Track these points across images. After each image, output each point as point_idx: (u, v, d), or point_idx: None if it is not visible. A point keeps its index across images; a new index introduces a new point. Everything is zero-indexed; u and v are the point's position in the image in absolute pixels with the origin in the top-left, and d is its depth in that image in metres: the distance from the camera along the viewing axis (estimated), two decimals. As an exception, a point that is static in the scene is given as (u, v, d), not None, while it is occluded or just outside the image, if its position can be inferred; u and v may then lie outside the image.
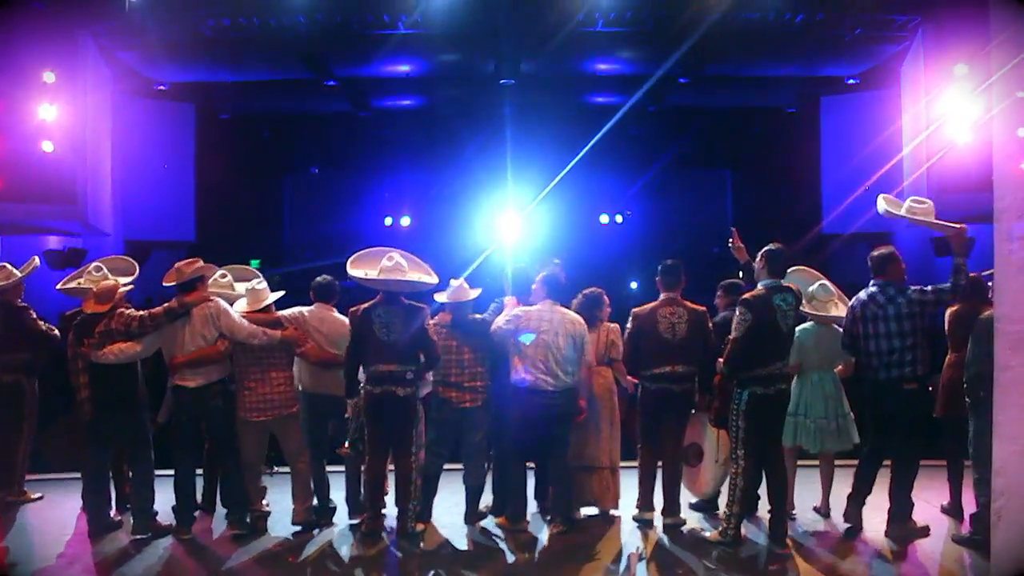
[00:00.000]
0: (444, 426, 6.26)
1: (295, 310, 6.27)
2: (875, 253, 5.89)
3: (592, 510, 6.43)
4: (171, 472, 6.15)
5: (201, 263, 6.14)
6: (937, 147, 10.18)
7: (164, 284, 6.31)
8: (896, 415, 5.72)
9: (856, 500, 5.91)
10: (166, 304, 5.97)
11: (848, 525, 5.91)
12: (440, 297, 6.29)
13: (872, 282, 5.84)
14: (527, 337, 5.97)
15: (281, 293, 6.48)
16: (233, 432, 6.06)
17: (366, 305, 5.96)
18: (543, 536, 6.02)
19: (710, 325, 6.20)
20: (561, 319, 6.05)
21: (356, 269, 6.04)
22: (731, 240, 6.08)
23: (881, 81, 12.26)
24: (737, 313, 5.52)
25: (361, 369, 5.96)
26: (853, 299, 5.94)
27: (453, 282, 6.27)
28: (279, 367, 6.11)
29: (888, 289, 5.74)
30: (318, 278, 6.40)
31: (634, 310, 6.28)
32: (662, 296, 6.21)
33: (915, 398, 5.69)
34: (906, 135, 11.24)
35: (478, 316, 6.31)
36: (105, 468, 6.29)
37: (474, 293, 6.29)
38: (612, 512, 6.40)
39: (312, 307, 6.33)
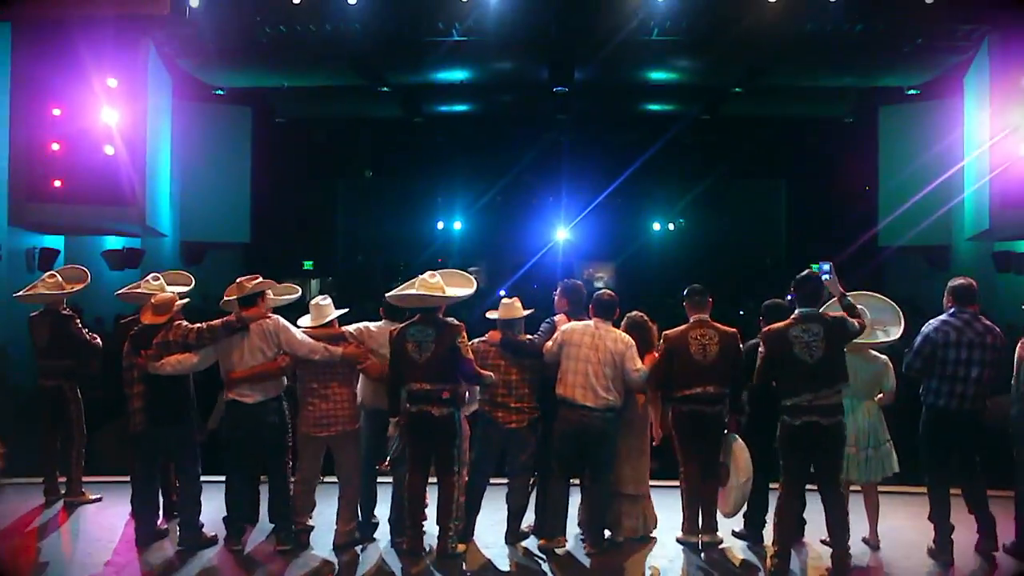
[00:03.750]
0: (488, 445, 6.21)
1: (360, 325, 6.26)
2: (955, 283, 5.90)
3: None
4: (220, 478, 6.21)
5: (261, 279, 6.17)
6: (1000, 160, 9.89)
7: (225, 298, 6.36)
8: (966, 443, 5.72)
9: (943, 532, 5.78)
10: (224, 318, 6.01)
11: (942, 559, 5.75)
12: (491, 315, 6.21)
13: (951, 309, 5.80)
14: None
15: (345, 310, 6.48)
16: (285, 448, 6.07)
17: (403, 324, 5.96)
18: (585, 558, 5.97)
19: (740, 347, 6.13)
20: (603, 336, 6.00)
21: (393, 293, 6.08)
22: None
23: (942, 91, 11.95)
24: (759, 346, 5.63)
25: None
26: (926, 325, 5.86)
27: (504, 300, 6.22)
28: (342, 383, 6.09)
29: (963, 315, 5.70)
30: (388, 294, 6.32)
31: (666, 332, 6.21)
32: (692, 319, 6.16)
33: (983, 426, 5.65)
34: (967, 147, 10.95)
35: (528, 337, 6.25)
36: (153, 478, 6.35)
37: (524, 312, 6.23)
38: (652, 534, 6.33)
39: (380, 323, 6.30)
